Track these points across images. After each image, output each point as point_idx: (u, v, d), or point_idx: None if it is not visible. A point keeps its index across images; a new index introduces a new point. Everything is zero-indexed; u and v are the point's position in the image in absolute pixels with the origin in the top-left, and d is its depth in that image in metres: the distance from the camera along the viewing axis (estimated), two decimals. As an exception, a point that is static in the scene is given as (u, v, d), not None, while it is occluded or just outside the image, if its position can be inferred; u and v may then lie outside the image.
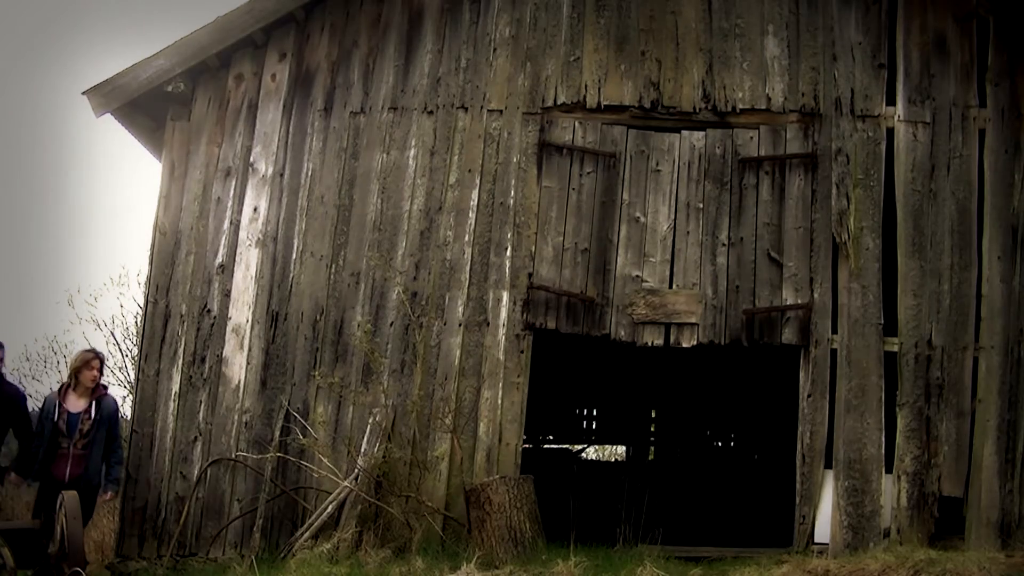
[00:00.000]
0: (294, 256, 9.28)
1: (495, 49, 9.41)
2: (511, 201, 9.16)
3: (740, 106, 9.14)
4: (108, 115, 9.52)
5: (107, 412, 8.47)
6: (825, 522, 8.54)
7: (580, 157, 9.20)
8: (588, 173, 9.18)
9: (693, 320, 8.90)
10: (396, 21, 9.56)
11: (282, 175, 9.43)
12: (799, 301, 8.83)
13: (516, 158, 9.22)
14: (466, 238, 9.15)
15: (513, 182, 9.19)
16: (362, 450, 8.62)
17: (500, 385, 8.89)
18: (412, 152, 9.32)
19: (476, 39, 9.45)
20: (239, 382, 9.10)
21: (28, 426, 8.52)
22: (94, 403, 8.42)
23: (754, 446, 16.91)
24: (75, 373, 8.47)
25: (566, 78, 9.30)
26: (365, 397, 8.89)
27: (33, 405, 10.99)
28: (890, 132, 9.05)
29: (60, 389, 8.54)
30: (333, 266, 9.21)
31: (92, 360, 8.54)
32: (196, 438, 9.06)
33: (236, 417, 9.05)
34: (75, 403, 8.41)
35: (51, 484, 8.23)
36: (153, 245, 9.48)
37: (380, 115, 9.42)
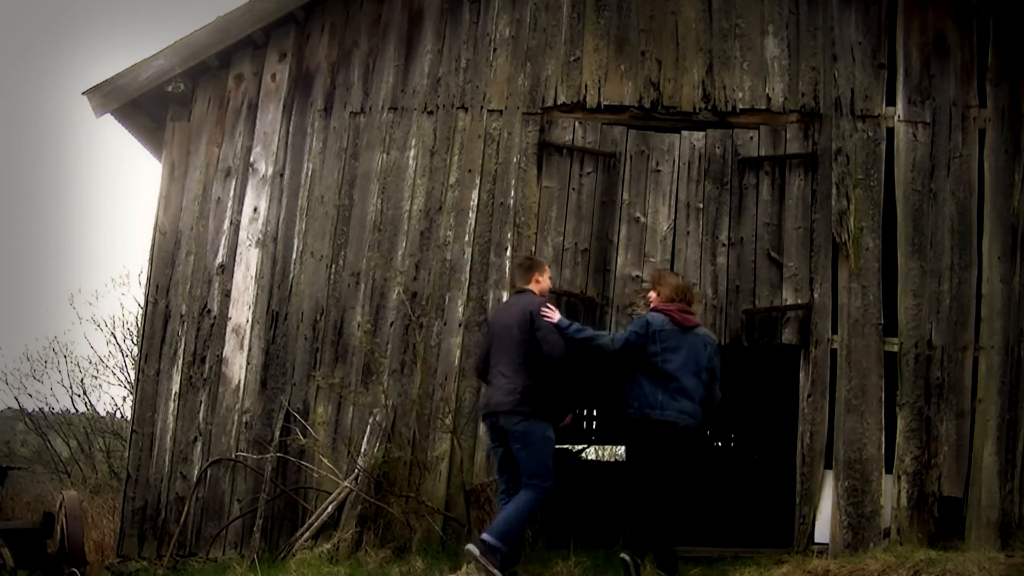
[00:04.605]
0: (294, 256, 9.28)
1: (495, 49, 9.41)
2: (511, 201, 9.15)
3: (740, 106, 9.14)
4: (108, 115, 9.51)
5: None
6: (825, 522, 8.53)
7: (580, 157, 9.20)
8: (588, 173, 9.18)
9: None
10: (396, 21, 9.55)
11: (282, 175, 9.42)
12: (799, 301, 8.83)
13: (516, 158, 9.22)
14: (466, 238, 9.15)
15: (513, 182, 9.19)
16: (362, 450, 8.62)
17: (500, 385, 8.87)
18: (412, 152, 9.32)
19: (476, 39, 9.44)
20: (239, 382, 9.10)
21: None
22: None
23: (754, 446, 16.89)
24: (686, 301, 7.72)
25: (566, 78, 9.30)
26: (365, 397, 8.88)
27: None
28: (890, 132, 9.05)
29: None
30: (333, 266, 9.21)
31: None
32: (196, 438, 9.06)
33: (236, 417, 9.05)
34: None
35: None
36: (153, 245, 9.48)
37: (380, 115, 9.41)
